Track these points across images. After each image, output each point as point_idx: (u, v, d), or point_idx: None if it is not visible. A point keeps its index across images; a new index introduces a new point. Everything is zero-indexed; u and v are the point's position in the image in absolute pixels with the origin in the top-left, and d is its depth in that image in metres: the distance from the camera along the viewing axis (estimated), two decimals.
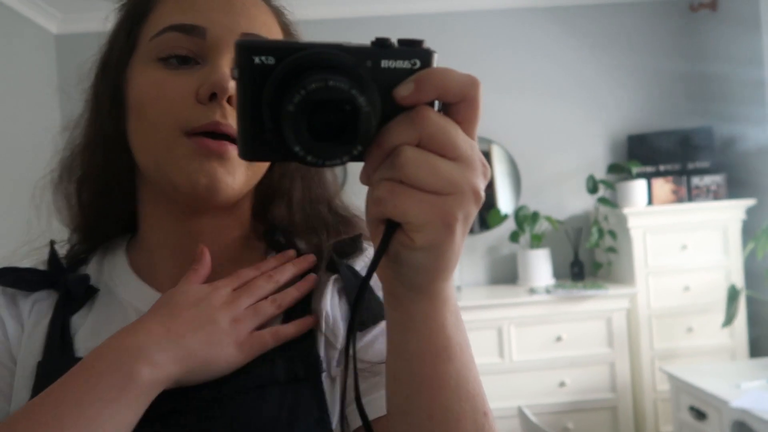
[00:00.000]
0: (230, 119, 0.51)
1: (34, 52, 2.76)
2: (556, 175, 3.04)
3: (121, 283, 0.57)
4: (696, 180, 2.78)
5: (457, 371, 0.41)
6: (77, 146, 0.60)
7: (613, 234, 2.75)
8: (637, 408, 2.60)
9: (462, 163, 0.35)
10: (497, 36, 3.04)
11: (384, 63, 0.34)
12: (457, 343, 0.41)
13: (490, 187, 3.04)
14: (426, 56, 0.34)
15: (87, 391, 0.44)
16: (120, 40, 0.56)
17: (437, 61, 0.35)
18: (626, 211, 2.64)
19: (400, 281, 0.38)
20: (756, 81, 2.65)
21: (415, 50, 0.34)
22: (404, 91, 0.34)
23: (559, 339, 2.54)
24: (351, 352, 0.40)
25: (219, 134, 0.51)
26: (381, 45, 0.34)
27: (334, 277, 0.56)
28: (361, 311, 0.52)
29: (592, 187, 2.81)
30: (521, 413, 1.65)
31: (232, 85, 0.49)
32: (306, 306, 0.55)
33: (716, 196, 2.75)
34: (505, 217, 2.98)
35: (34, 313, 0.55)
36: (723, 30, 2.86)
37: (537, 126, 3.03)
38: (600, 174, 2.90)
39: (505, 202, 3.03)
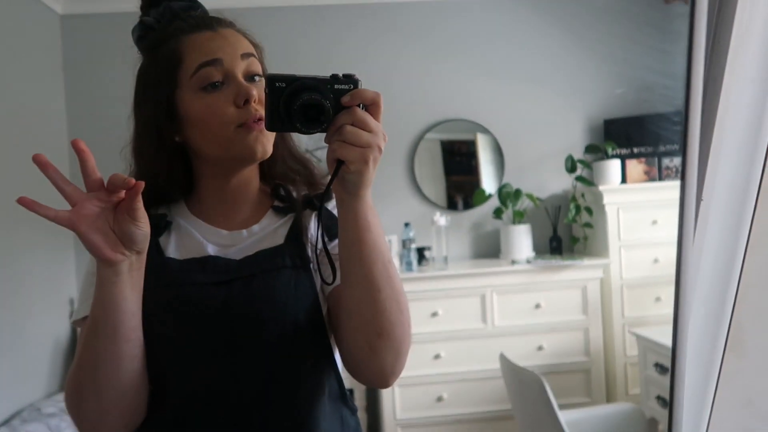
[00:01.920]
0: (260, 111, 0.80)
1: (40, 32, 2.86)
2: (537, 156, 3.22)
3: (186, 222, 0.88)
4: (666, 161, 2.99)
5: (373, 237, 0.72)
6: (138, 155, 0.88)
7: (589, 210, 2.95)
8: (609, 371, 2.81)
9: (372, 133, 0.67)
10: (481, 24, 3.21)
11: (336, 86, 0.68)
12: (373, 223, 0.72)
13: (474, 172, 3.22)
14: (356, 83, 0.69)
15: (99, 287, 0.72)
16: (163, 80, 0.83)
17: (362, 85, 0.69)
18: (602, 188, 2.84)
19: (344, 191, 0.70)
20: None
21: (352, 80, 0.68)
22: (346, 99, 0.67)
23: (537, 306, 2.73)
24: (320, 231, 0.77)
25: (257, 119, 0.81)
26: (336, 77, 0.68)
27: (314, 213, 0.89)
28: (328, 222, 0.85)
29: (571, 166, 3.00)
30: (503, 358, 1.83)
31: (253, 92, 0.80)
32: (299, 233, 0.87)
33: None
34: (489, 196, 3.16)
35: None
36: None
37: (520, 111, 3.21)
38: (578, 155, 3.09)
39: (488, 184, 3.21)
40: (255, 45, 0.89)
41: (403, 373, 2.71)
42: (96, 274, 0.71)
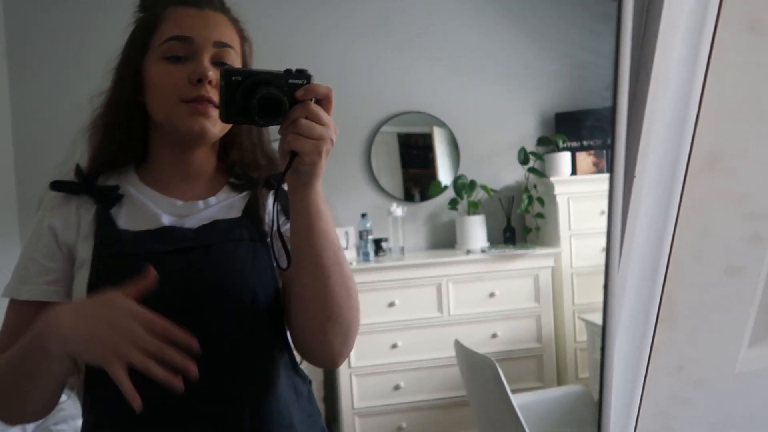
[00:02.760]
0: (211, 93, 0.81)
1: None
2: (491, 149, 3.28)
3: (137, 190, 0.87)
4: None
5: (323, 225, 0.75)
6: (104, 105, 0.88)
7: (541, 201, 3.03)
8: (560, 356, 2.90)
9: (325, 126, 0.69)
10: (435, 17, 3.24)
11: (290, 81, 0.70)
12: (324, 212, 0.75)
13: (431, 165, 3.26)
14: (309, 78, 0.71)
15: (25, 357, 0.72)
16: (137, 43, 0.86)
17: (315, 80, 0.72)
18: (553, 180, 2.92)
19: (297, 181, 0.72)
20: None
21: (305, 75, 0.71)
22: (300, 93, 0.70)
23: (492, 295, 2.79)
24: (275, 215, 0.81)
25: (204, 100, 0.81)
26: (289, 72, 0.71)
27: (271, 191, 0.90)
28: (284, 202, 0.85)
29: (524, 158, 3.07)
30: (457, 344, 1.87)
31: (209, 73, 0.81)
32: (256, 208, 0.88)
33: None
34: (445, 188, 3.20)
35: (82, 210, 0.84)
36: None
37: (475, 104, 3.27)
38: (531, 147, 3.16)
39: (445, 177, 3.25)
40: (243, 38, 0.90)
41: (361, 363, 2.73)
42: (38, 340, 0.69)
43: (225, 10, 0.89)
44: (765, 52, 0.53)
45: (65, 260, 0.82)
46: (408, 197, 3.23)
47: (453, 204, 3.10)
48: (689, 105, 0.51)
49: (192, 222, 0.84)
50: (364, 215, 2.90)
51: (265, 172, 0.91)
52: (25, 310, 0.80)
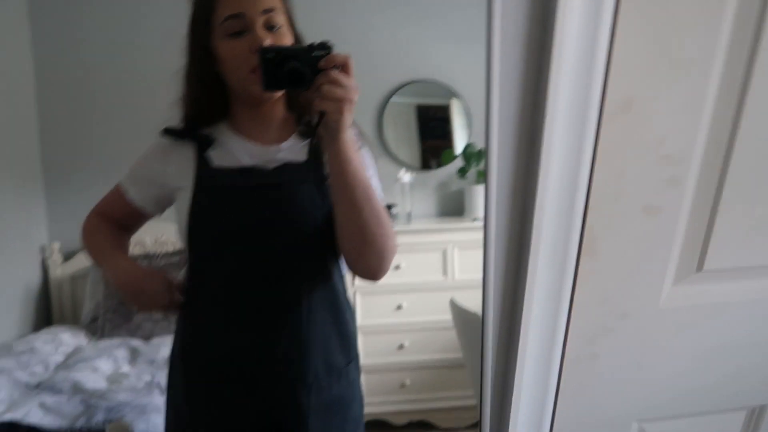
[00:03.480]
0: None
1: None
2: None
3: (227, 137, 1.09)
4: None
5: (353, 168, 0.93)
6: (186, 79, 1.08)
7: None
8: None
9: (344, 88, 0.86)
10: None
11: (314, 53, 0.87)
12: (353, 157, 0.93)
13: (448, 137, 3.29)
14: (330, 49, 0.88)
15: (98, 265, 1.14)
16: (200, 22, 1.03)
17: (335, 50, 0.89)
18: None
19: (326, 134, 0.91)
20: None
21: (326, 47, 0.88)
22: (322, 63, 0.88)
23: None
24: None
25: None
26: (312, 46, 0.88)
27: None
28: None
29: None
30: (453, 303, 1.94)
31: (264, 42, 0.97)
32: (318, 154, 1.06)
33: None
34: (456, 156, 3.24)
35: (184, 151, 1.08)
36: None
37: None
38: None
39: (460, 147, 3.29)
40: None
41: (367, 321, 2.83)
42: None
43: None
44: None
45: (163, 186, 1.09)
46: (425, 168, 3.27)
47: (462, 172, 3.14)
48: (596, 49, 0.56)
49: (267, 163, 1.04)
50: None
51: None
52: (124, 202, 1.13)
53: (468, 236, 2.85)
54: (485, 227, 0.62)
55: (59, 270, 2.90)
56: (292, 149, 1.06)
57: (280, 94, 1.06)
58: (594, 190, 0.65)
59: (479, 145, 3.16)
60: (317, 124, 0.89)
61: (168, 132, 1.08)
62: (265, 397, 1.02)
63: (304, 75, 0.87)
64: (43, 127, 2.93)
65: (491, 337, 0.69)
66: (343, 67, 0.86)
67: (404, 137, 3.28)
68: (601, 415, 0.77)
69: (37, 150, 2.93)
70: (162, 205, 1.13)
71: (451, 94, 3.26)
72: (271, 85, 0.91)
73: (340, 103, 0.85)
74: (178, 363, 1.09)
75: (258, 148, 1.06)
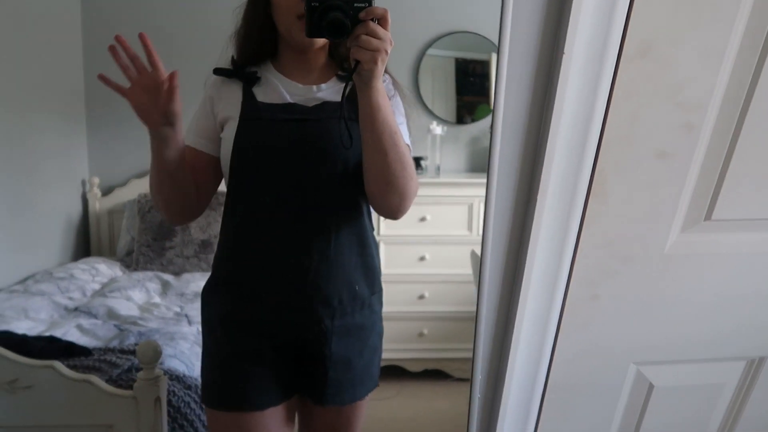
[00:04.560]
0: None
1: None
2: None
3: (272, 76, 1.15)
4: None
5: (382, 114, 0.98)
6: (242, 18, 1.16)
7: None
8: None
9: (381, 40, 0.90)
10: None
11: (356, 4, 0.91)
12: (383, 105, 0.97)
13: (486, 93, 3.25)
14: (371, 1, 0.91)
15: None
16: None
17: (375, 3, 0.92)
18: None
19: (361, 81, 0.95)
20: None
21: (366, 0, 0.91)
22: (362, 14, 0.90)
23: None
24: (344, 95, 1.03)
25: None
26: None
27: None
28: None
29: None
30: (473, 254, 1.97)
31: None
32: (354, 96, 1.03)
33: None
34: (491, 111, 3.20)
35: (234, 87, 1.14)
36: None
37: None
38: None
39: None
40: None
41: (389, 270, 2.88)
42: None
43: None
44: None
45: (215, 122, 1.14)
46: (459, 122, 3.25)
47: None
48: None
49: (308, 101, 1.11)
50: None
51: None
52: (188, 150, 1.12)
53: None
54: (490, 156, 0.64)
55: (98, 204, 3.02)
56: (331, 90, 1.13)
57: (322, 42, 1.12)
58: (607, 133, 0.66)
59: None
60: (353, 71, 0.94)
61: (218, 71, 1.17)
62: (293, 318, 1.10)
63: (344, 25, 0.91)
64: (88, 67, 3.00)
65: (494, 271, 0.71)
66: (381, 20, 0.91)
67: (441, 91, 3.25)
68: (600, 355, 0.80)
69: (82, 87, 3.01)
70: (217, 141, 1.17)
71: (492, 47, 3.20)
72: (313, 32, 0.95)
73: (375, 53, 0.90)
74: (214, 285, 1.17)
75: (300, 87, 1.13)
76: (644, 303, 0.77)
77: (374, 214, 1.17)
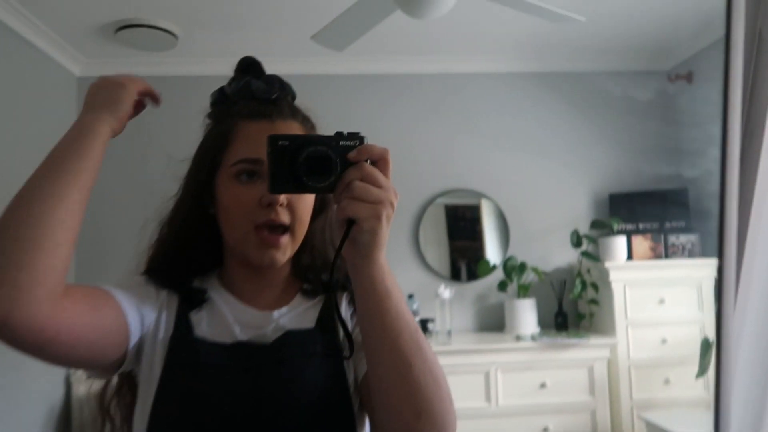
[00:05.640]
0: (281, 216, 0.80)
1: (57, 93, 2.93)
2: (542, 229, 3.22)
3: (218, 297, 0.86)
4: (672, 238, 2.98)
5: (394, 305, 0.66)
6: (174, 212, 0.89)
7: (595, 286, 2.92)
8: None
9: (383, 189, 0.64)
10: (490, 97, 3.27)
11: (342, 143, 0.65)
12: (392, 290, 0.66)
13: (478, 240, 3.21)
14: (362, 139, 0.66)
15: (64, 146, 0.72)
16: (209, 157, 0.86)
17: (367, 141, 0.67)
18: (608, 265, 2.81)
19: (356, 254, 0.65)
20: None
21: (357, 137, 0.66)
22: (353, 154, 0.65)
23: (543, 386, 2.66)
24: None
25: (275, 225, 0.81)
26: (340, 134, 0.66)
27: (345, 293, 0.88)
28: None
29: (576, 241, 2.98)
30: None
31: (280, 197, 0.79)
32: (329, 319, 0.85)
33: (691, 254, 2.94)
34: (494, 267, 3.13)
35: (167, 303, 0.83)
36: (697, 98, 3.11)
37: (526, 182, 3.23)
38: (584, 229, 3.08)
39: (493, 254, 3.19)
40: (311, 127, 0.90)
41: None
42: (78, 130, 0.74)
43: (295, 114, 0.88)
44: None
45: (143, 312, 0.80)
46: (454, 272, 3.17)
47: (502, 286, 3.02)
48: None
49: (265, 335, 0.82)
50: (411, 296, 2.86)
51: (340, 272, 0.85)
52: (99, 290, 0.77)
53: (512, 357, 2.68)
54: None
55: (82, 387, 2.77)
56: (295, 313, 0.86)
57: (285, 258, 0.83)
58: None
59: (520, 258, 3.05)
60: (344, 238, 0.64)
61: (152, 275, 0.85)
62: None
63: (330, 161, 0.63)
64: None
65: None
66: (380, 162, 0.65)
67: (432, 238, 3.20)
68: None
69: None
70: (139, 321, 0.80)
71: (482, 195, 3.21)
72: (280, 183, 0.65)
73: (377, 206, 0.62)
74: None
75: (254, 313, 0.85)
76: None
77: None
